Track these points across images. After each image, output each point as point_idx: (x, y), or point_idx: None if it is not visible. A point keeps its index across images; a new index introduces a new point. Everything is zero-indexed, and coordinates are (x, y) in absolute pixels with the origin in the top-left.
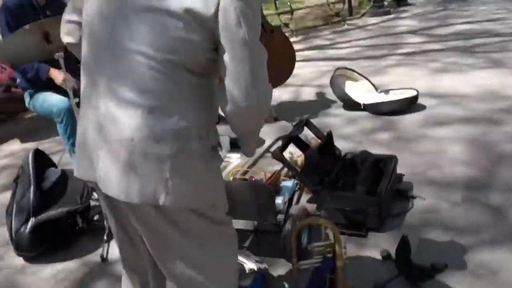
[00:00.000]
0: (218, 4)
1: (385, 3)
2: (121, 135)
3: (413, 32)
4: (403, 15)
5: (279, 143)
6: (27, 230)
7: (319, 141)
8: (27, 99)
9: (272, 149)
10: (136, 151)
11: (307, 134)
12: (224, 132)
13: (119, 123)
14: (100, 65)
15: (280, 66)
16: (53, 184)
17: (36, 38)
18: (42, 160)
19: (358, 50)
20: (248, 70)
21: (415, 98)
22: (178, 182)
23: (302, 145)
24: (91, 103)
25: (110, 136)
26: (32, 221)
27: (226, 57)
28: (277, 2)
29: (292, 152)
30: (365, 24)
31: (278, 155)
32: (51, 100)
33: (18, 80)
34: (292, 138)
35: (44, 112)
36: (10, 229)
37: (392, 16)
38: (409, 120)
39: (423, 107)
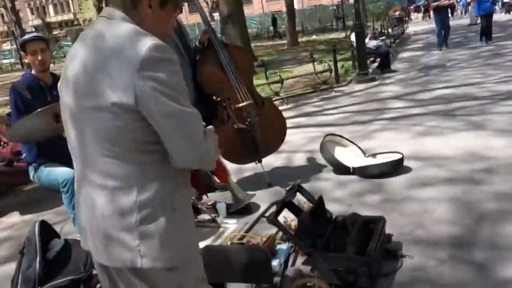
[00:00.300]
0: (135, 91)
1: (370, 70)
2: (96, 213)
3: (397, 97)
4: (387, 81)
5: (274, 208)
6: None
7: (311, 205)
8: (31, 172)
9: (267, 214)
10: (109, 224)
11: (299, 199)
12: (221, 198)
13: (94, 203)
14: (75, 156)
15: (272, 134)
16: (57, 253)
17: (47, 118)
18: (47, 231)
19: (346, 115)
20: (180, 138)
21: (400, 161)
22: (148, 246)
23: (295, 209)
24: (79, 184)
25: (92, 213)
26: None
27: (159, 132)
28: (267, 72)
29: (286, 216)
30: (352, 91)
31: (273, 220)
32: (56, 172)
33: (24, 155)
34: (285, 204)
35: (49, 184)
36: None
37: (377, 82)
38: (396, 182)
39: (408, 169)
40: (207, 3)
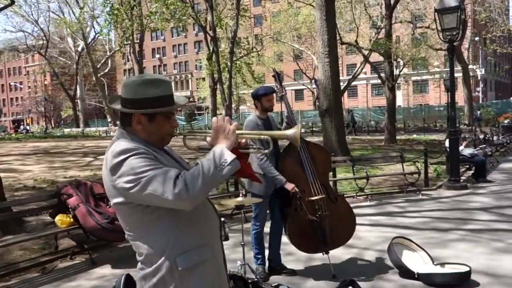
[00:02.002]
0: (111, 181)
1: (463, 178)
2: None
3: (484, 209)
4: (479, 191)
5: None
6: None
7: None
8: None
9: None
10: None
11: None
12: (285, 282)
13: None
14: None
15: (341, 229)
16: None
17: None
18: (130, 284)
19: (427, 221)
20: (158, 193)
21: (467, 274)
22: None
23: None
24: None
25: None
26: None
27: (149, 204)
28: (355, 168)
29: None
30: (440, 196)
31: None
32: None
33: None
34: None
35: None
36: None
37: (468, 191)
38: None
39: (476, 284)
40: (312, 92)
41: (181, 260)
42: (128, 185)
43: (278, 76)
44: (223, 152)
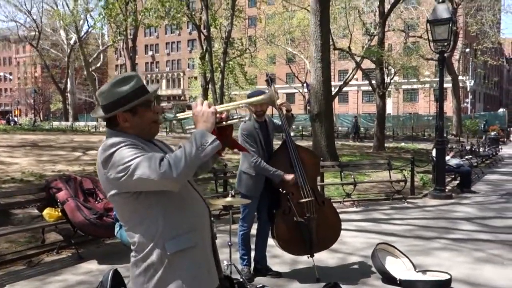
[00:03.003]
0: (104, 174)
1: (448, 187)
2: None
3: (468, 219)
4: (463, 201)
5: None
6: None
7: None
8: (117, 228)
9: None
10: None
11: None
12: (268, 283)
13: None
14: None
15: (327, 232)
16: None
17: None
18: (118, 280)
19: (411, 228)
20: (147, 175)
21: (447, 282)
22: (153, 285)
23: None
24: None
25: None
26: None
27: (140, 189)
28: (342, 174)
29: None
30: (424, 205)
31: None
32: None
33: (114, 212)
34: None
35: (128, 242)
36: None
37: (452, 200)
38: None
39: None
40: (304, 97)
41: (170, 245)
42: (119, 175)
43: (271, 81)
44: (204, 134)
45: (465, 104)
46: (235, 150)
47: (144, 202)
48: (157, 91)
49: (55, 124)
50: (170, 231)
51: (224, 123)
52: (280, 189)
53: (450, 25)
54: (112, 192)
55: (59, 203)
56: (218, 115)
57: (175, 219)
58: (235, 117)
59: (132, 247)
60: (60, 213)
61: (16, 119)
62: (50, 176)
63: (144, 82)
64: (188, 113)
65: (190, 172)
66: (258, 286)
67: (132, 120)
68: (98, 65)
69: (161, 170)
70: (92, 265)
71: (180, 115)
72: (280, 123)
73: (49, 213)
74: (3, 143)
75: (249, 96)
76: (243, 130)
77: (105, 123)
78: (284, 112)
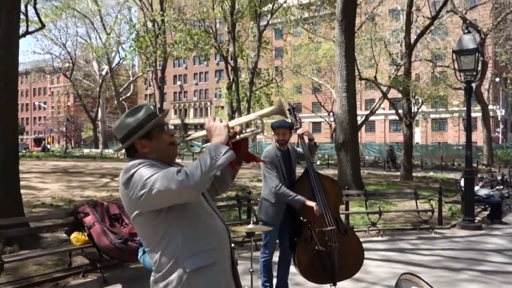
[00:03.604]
0: (126, 195)
1: (478, 218)
2: None
3: (499, 251)
4: (494, 232)
5: None
6: None
7: None
8: (140, 253)
9: None
10: None
11: None
12: None
13: None
14: None
15: (349, 262)
16: None
17: None
18: None
19: (439, 259)
20: (169, 188)
21: None
22: None
23: None
24: None
25: None
26: None
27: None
28: (368, 202)
29: None
30: (453, 236)
31: None
32: None
33: (139, 237)
34: None
35: (150, 267)
36: None
37: (482, 231)
38: None
39: None
40: (330, 125)
41: (189, 262)
42: (140, 193)
43: (293, 110)
44: (218, 145)
45: (496, 133)
46: (253, 162)
47: (164, 221)
48: (166, 114)
49: (86, 151)
50: (189, 249)
51: (237, 137)
52: (301, 218)
53: (477, 55)
54: (135, 213)
55: (86, 228)
56: (231, 130)
57: (195, 238)
58: (248, 131)
59: (153, 268)
60: (86, 237)
61: (49, 146)
62: (78, 202)
63: (172, 111)
64: (202, 132)
65: (206, 182)
66: None
67: (149, 145)
68: (128, 94)
69: (178, 178)
70: None
71: (195, 134)
72: (303, 151)
73: (76, 237)
74: (35, 169)
75: (272, 125)
76: (265, 157)
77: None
78: (307, 141)
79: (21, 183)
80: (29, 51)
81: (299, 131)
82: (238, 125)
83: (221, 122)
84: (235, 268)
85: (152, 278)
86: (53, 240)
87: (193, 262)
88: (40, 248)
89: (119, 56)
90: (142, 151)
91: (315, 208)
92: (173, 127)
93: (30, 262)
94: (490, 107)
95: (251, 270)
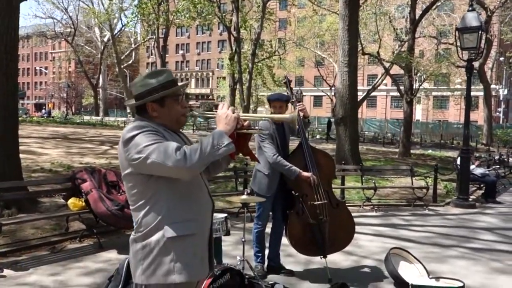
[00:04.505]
0: (123, 152)
1: (473, 197)
2: None
3: (489, 229)
4: (487, 211)
5: None
6: None
7: None
8: None
9: None
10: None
11: None
12: (282, 281)
13: None
14: None
15: (340, 234)
16: None
17: None
18: None
19: (430, 235)
20: (162, 163)
21: None
22: (146, 264)
23: None
24: None
25: None
26: None
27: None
28: (364, 178)
29: None
30: (446, 213)
31: None
32: None
33: None
34: None
35: None
36: None
37: (475, 210)
38: None
39: None
40: (331, 100)
41: (169, 229)
42: (136, 156)
43: (289, 83)
44: (222, 135)
45: (497, 113)
46: (247, 157)
47: (153, 186)
48: (186, 86)
49: (86, 118)
50: (172, 216)
51: (244, 130)
52: (293, 192)
53: (480, 33)
54: (127, 171)
55: (83, 194)
56: (240, 122)
57: (179, 207)
58: (256, 127)
59: (134, 225)
60: (84, 203)
61: (51, 111)
62: (77, 168)
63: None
64: (213, 113)
65: (202, 166)
66: (270, 283)
67: (160, 111)
68: (130, 62)
69: (176, 157)
70: (111, 254)
71: (207, 113)
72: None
73: (74, 203)
74: (35, 134)
75: (269, 98)
76: (261, 125)
77: (133, 118)
78: (302, 116)
79: (21, 147)
80: (31, 15)
81: (299, 107)
82: (249, 120)
83: (233, 113)
84: (211, 237)
85: (132, 236)
86: (51, 204)
87: (174, 229)
88: (37, 212)
89: (121, 23)
90: (152, 114)
91: (311, 178)
92: None
93: (27, 225)
94: (493, 86)
95: (243, 240)
